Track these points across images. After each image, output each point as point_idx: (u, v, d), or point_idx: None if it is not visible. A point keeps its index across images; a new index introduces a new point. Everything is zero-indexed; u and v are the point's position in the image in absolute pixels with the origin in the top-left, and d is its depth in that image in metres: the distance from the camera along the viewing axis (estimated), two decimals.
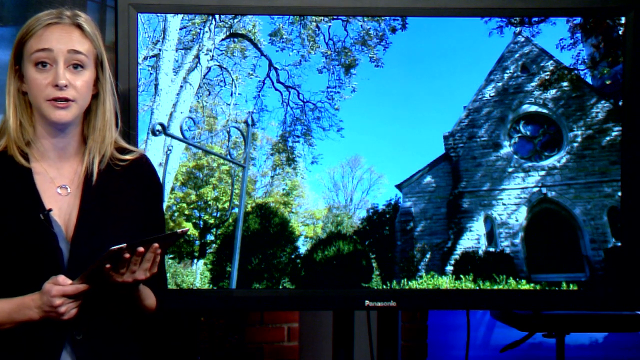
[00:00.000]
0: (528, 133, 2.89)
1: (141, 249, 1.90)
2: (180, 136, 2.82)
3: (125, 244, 1.86)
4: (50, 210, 2.02)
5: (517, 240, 2.87)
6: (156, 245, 1.92)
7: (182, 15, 2.79)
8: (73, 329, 2.00)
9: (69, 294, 1.91)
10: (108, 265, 1.89)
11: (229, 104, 2.86)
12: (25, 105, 2.07)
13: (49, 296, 1.91)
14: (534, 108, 2.87)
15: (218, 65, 2.85)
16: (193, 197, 2.89)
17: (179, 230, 1.96)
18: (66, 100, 2.00)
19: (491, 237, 2.87)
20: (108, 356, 2.06)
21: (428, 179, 2.87)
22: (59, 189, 2.07)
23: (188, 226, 2.87)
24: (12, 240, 1.98)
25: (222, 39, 2.84)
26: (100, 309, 2.04)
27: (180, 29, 2.82)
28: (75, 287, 1.92)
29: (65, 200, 2.06)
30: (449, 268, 2.85)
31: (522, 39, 2.85)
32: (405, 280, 2.84)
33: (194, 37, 2.82)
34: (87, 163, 2.09)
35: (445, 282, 2.84)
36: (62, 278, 1.92)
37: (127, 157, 2.14)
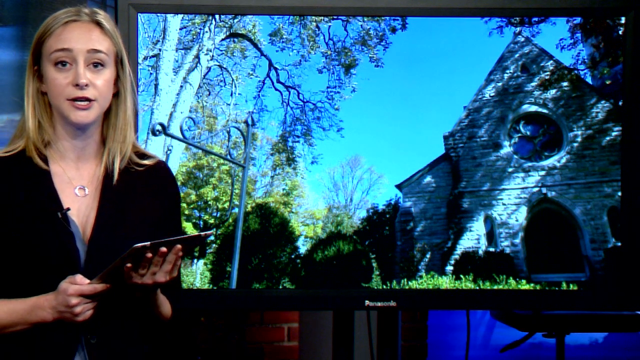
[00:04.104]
0: (528, 133, 2.89)
1: (164, 249, 1.85)
2: (180, 136, 2.82)
3: (149, 243, 1.82)
4: (68, 209, 1.98)
5: (517, 240, 2.87)
6: (179, 246, 1.87)
7: (182, 15, 2.79)
8: (86, 331, 1.96)
9: (86, 293, 1.87)
10: (129, 265, 1.85)
11: (229, 104, 2.86)
12: (44, 106, 2.03)
13: (65, 295, 1.87)
14: (534, 108, 2.87)
15: (218, 65, 2.85)
16: (193, 197, 2.89)
17: (202, 233, 1.91)
18: (87, 100, 1.96)
19: (491, 237, 2.87)
20: None
21: (428, 179, 2.87)
22: (77, 189, 2.03)
23: (188, 226, 2.87)
24: (29, 240, 1.95)
25: (222, 39, 2.84)
26: (116, 313, 2.00)
27: (180, 29, 2.82)
28: (92, 287, 1.88)
29: (83, 201, 2.03)
30: (449, 268, 2.85)
31: (522, 39, 2.85)
32: (405, 280, 2.84)
33: (194, 37, 2.82)
34: (107, 163, 2.05)
35: (445, 282, 2.84)
36: (79, 277, 1.88)
37: (146, 162, 2.09)
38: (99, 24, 2.02)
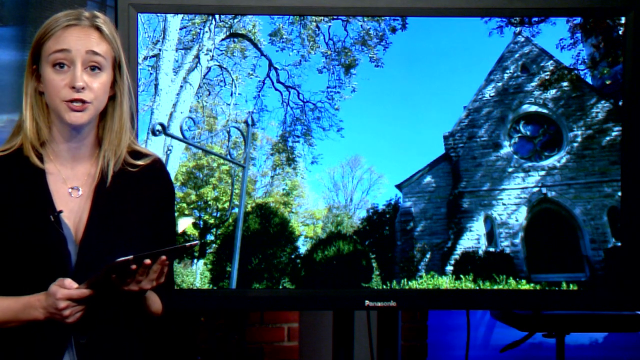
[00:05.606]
0: (528, 133, 2.89)
1: (148, 261, 1.87)
2: (180, 136, 2.82)
3: (132, 256, 1.84)
4: (60, 211, 2.00)
5: (517, 240, 2.87)
6: (164, 257, 1.89)
7: (182, 15, 2.79)
8: (76, 332, 1.99)
9: (74, 298, 1.90)
10: (114, 276, 1.87)
11: (229, 104, 2.86)
12: (41, 106, 2.05)
13: (55, 299, 1.89)
14: (534, 108, 2.87)
15: (218, 65, 2.85)
16: (193, 197, 2.89)
17: (187, 244, 1.93)
18: (82, 102, 1.99)
19: (491, 237, 2.87)
20: None
21: (428, 179, 2.87)
22: (70, 190, 2.05)
23: (188, 227, 2.87)
24: (21, 240, 1.97)
25: (222, 39, 2.84)
26: (105, 314, 2.02)
27: (180, 29, 2.82)
28: (80, 292, 1.90)
29: (77, 202, 2.05)
30: (449, 268, 2.85)
31: (522, 39, 2.85)
32: (405, 280, 2.84)
33: (194, 37, 2.82)
34: (102, 166, 2.07)
35: (445, 282, 2.84)
36: (68, 281, 1.90)
37: (141, 162, 2.11)
38: (98, 28, 2.04)
